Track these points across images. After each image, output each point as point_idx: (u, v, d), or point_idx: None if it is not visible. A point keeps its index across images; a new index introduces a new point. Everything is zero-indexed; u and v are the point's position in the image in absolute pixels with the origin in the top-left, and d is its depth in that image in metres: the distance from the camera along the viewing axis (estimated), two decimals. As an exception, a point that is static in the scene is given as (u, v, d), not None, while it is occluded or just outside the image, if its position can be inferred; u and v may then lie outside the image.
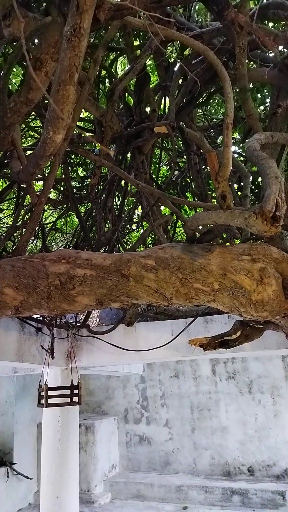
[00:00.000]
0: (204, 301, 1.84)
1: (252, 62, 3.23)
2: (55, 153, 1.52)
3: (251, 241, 2.36)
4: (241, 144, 4.43)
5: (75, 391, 3.03)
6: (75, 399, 3.01)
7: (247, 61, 2.64)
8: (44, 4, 2.31)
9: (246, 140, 3.69)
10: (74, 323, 3.85)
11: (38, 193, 2.33)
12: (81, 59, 1.08)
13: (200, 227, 2.45)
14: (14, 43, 2.62)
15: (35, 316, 3.44)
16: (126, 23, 1.52)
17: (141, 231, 5.62)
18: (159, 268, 1.83)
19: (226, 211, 1.45)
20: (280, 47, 3.24)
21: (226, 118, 1.48)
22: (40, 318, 3.51)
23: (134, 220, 5.50)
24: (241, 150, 4.65)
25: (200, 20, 3.85)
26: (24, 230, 3.68)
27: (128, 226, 5.38)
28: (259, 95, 4.11)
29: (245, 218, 1.33)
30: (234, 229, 1.86)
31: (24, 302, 1.64)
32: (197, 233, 2.02)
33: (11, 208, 5.10)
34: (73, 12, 1.00)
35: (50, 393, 2.84)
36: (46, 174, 2.78)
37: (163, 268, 1.83)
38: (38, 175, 2.60)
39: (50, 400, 2.84)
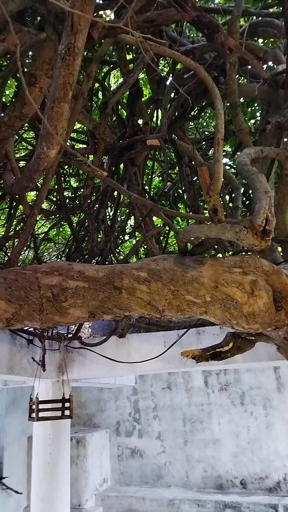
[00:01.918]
0: (196, 313, 1.85)
1: (242, 77, 3.30)
2: (48, 167, 1.53)
3: (242, 254, 2.39)
4: (232, 157, 4.50)
5: (67, 404, 3.00)
6: (67, 412, 2.98)
7: (237, 76, 2.70)
8: (39, 18, 2.35)
9: (237, 153, 3.75)
10: (66, 334, 3.82)
11: (30, 204, 2.34)
12: (75, 77, 1.10)
13: (192, 239, 2.47)
14: (8, 56, 2.66)
15: (26, 328, 3.41)
16: (119, 40, 1.56)
17: (134, 241, 5.65)
18: (152, 280, 1.83)
19: (218, 224, 1.47)
20: (270, 63, 3.32)
21: (217, 134, 1.51)
22: (32, 330, 3.49)
23: (127, 231, 5.52)
24: (232, 162, 4.72)
25: (192, 35, 3.94)
26: (16, 240, 3.68)
27: (120, 236, 5.40)
28: (249, 109, 4.19)
29: (236, 232, 1.35)
30: (225, 242, 1.88)
31: (15, 315, 1.63)
32: (189, 244, 2.04)
33: (3, 218, 5.09)
34: (68, 32, 1.02)
35: (41, 406, 2.80)
36: (39, 185, 2.80)
37: (155, 280, 1.83)
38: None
39: (41, 414, 2.81)
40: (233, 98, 2.45)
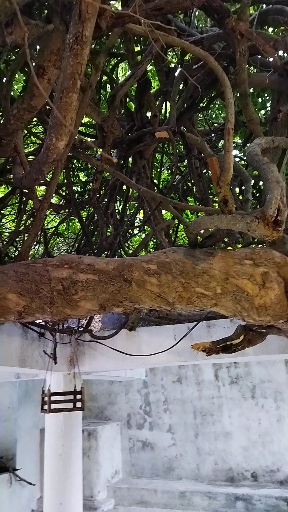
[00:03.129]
0: (207, 305, 1.84)
1: (252, 67, 3.25)
2: (57, 159, 1.53)
3: (253, 246, 2.37)
4: (242, 148, 4.45)
5: (78, 397, 3.03)
6: (78, 404, 3.00)
7: (247, 66, 2.66)
8: (46, 11, 2.34)
9: (247, 145, 3.70)
10: (76, 328, 3.85)
11: (40, 198, 2.35)
12: (84, 67, 1.09)
13: (202, 231, 2.45)
14: (16, 50, 2.65)
15: (37, 321, 3.44)
16: (127, 30, 1.54)
17: (143, 235, 5.64)
18: (162, 273, 1.83)
19: (228, 215, 1.46)
20: (280, 52, 3.26)
21: (227, 123, 1.49)
22: (43, 323, 3.51)
23: (136, 224, 5.51)
24: (242, 154, 4.67)
25: (201, 25, 3.88)
26: (26, 235, 3.70)
27: (129, 230, 5.39)
28: (259, 100, 4.13)
29: (247, 223, 1.33)
30: (236, 233, 1.86)
31: (27, 307, 1.64)
32: (199, 237, 2.03)
33: (13, 213, 5.11)
34: (76, 21, 1.01)
35: (53, 398, 2.83)
36: (48, 179, 2.80)
37: (165, 272, 1.83)
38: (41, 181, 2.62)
39: (53, 406, 2.84)
40: (243, 88, 2.42)
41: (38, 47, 2.10)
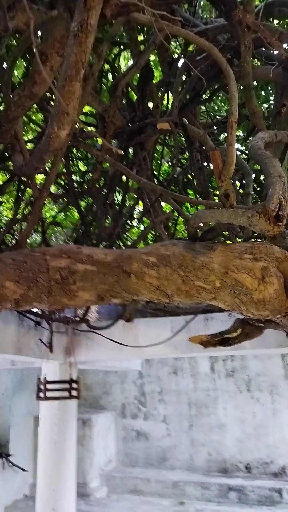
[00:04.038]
0: (206, 299, 1.84)
1: (256, 60, 3.21)
2: (58, 148, 1.52)
3: (253, 240, 2.36)
4: (244, 142, 4.42)
5: (74, 386, 3.04)
6: (74, 393, 3.02)
7: (251, 58, 2.63)
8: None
9: (250, 138, 3.68)
10: (73, 317, 3.85)
11: (39, 187, 2.33)
12: (88, 55, 1.07)
13: (202, 225, 2.44)
14: (17, 35, 2.61)
15: (34, 310, 3.44)
16: (131, 19, 1.52)
17: (142, 227, 5.62)
18: (161, 265, 1.82)
19: (229, 209, 1.45)
20: (285, 45, 3.22)
21: (231, 116, 1.47)
22: (39, 312, 3.51)
23: (135, 216, 5.49)
24: (244, 148, 4.64)
25: (205, 16, 3.83)
26: (24, 223, 3.68)
27: (128, 222, 5.37)
28: (262, 93, 4.09)
29: (248, 217, 1.32)
30: (236, 227, 1.86)
31: (24, 296, 1.64)
32: (198, 230, 2.02)
33: (11, 201, 5.08)
34: (81, 8, 0.99)
35: (49, 386, 2.85)
36: (48, 168, 2.78)
37: (164, 265, 1.82)
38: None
39: (49, 394, 2.86)
40: (247, 80, 2.39)
41: (39, 33, 2.07)
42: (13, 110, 1.55)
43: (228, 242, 2.54)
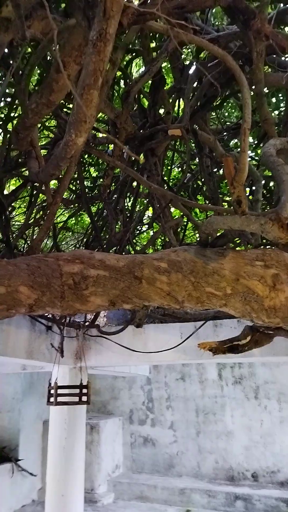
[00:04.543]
0: (216, 305, 1.84)
1: (266, 67, 3.22)
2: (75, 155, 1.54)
3: (264, 247, 2.36)
4: (255, 148, 4.42)
5: (84, 391, 3.05)
6: (84, 398, 3.03)
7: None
8: (63, 5, 2.34)
9: (261, 145, 3.68)
10: (83, 322, 3.87)
11: (52, 192, 2.35)
12: (106, 64, 1.09)
13: (211, 231, 2.44)
14: (32, 44, 2.66)
15: (45, 315, 3.46)
16: (147, 27, 1.54)
17: (151, 233, 5.64)
18: (172, 271, 1.83)
19: (242, 216, 1.45)
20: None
21: (244, 123, 1.48)
22: (50, 317, 3.53)
23: (144, 221, 5.51)
24: (254, 154, 4.64)
25: (217, 23, 3.85)
26: (36, 228, 3.72)
27: (138, 227, 5.39)
28: (273, 100, 4.09)
29: (261, 224, 1.33)
30: (248, 234, 1.86)
31: (38, 301, 1.65)
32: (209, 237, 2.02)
33: (23, 206, 5.14)
34: (100, 17, 1.01)
35: (59, 391, 2.86)
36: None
37: (175, 271, 1.83)
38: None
39: (59, 399, 2.86)
40: (259, 87, 2.41)
41: (55, 42, 2.09)
42: (30, 117, 1.58)
43: (238, 248, 2.54)
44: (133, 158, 3.75)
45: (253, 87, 2.58)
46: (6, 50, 2.07)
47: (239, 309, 1.82)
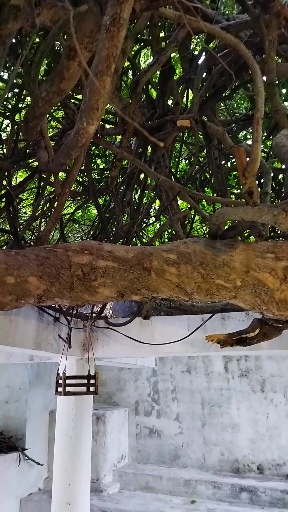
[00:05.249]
0: (226, 297, 1.83)
1: (277, 57, 3.17)
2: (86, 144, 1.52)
3: (275, 239, 2.34)
4: (264, 141, 4.36)
5: (92, 381, 3.07)
6: (92, 388, 3.05)
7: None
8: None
9: (270, 137, 3.63)
10: (90, 314, 3.88)
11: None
12: (119, 50, 1.07)
13: (219, 224, 2.42)
14: (40, 32, 2.63)
15: (52, 306, 3.47)
16: (159, 14, 1.51)
17: (157, 225, 5.61)
18: (181, 263, 1.82)
19: (254, 207, 1.43)
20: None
21: (257, 113, 1.46)
22: (57, 307, 3.55)
23: (151, 214, 5.49)
24: (263, 146, 4.58)
25: (227, 12, 3.79)
26: (44, 220, 3.72)
27: (144, 219, 5.37)
28: (283, 91, 4.04)
29: (274, 215, 1.31)
30: (259, 225, 1.84)
31: (47, 291, 1.65)
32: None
33: (30, 198, 5.14)
34: (113, 2, 0.99)
35: (67, 381, 2.88)
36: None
37: (185, 263, 1.82)
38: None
39: (67, 389, 2.88)
40: (270, 77, 2.37)
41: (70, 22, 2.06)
42: (41, 106, 1.56)
43: (247, 240, 2.51)
44: (140, 150, 3.72)
45: (264, 77, 2.54)
46: (13, 40, 2.05)
47: (249, 302, 1.81)
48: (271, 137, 3.62)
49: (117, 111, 2.19)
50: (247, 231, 3.12)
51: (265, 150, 4.41)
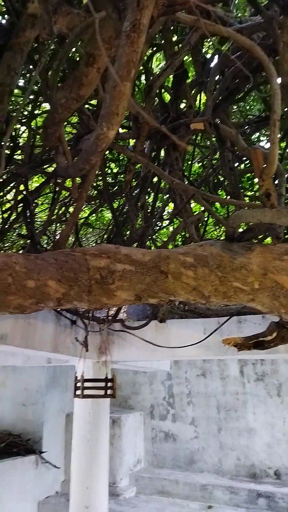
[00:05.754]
0: (243, 300, 1.82)
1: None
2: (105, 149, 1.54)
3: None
4: (279, 142, 4.34)
5: (109, 384, 3.08)
6: (109, 391, 3.06)
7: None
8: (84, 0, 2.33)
9: (284, 139, 3.61)
10: (107, 317, 3.90)
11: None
12: (139, 55, 1.09)
13: (235, 226, 2.41)
14: (56, 40, 2.67)
15: (69, 309, 3.50)
16: (175, 18, 1.53)
17: (170, 228, 5.62)
18: (198, 266, 1.82)
19: (272, 209, 1.43)
20: None
21: (273, 114, 1.45)
22: (75, 311, 3.57)
23: (165, 217, 5.49)
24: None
25: (239, 15, 3.79)
26: (59, 225, 3.76)
27: (158, 223, 5.38)
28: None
29: (292, 217, 1.30)
30: (277, 228, 1.83)
31: (66, 295, 1.67)
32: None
33: (46, 203, 5.20)
34: (133, 8, 1.00)
35: (85, 384, 2.90)
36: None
37: (202, 265, 1.82)
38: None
39: (85, 392, 2.91)
40: (285, 79, 2.36)
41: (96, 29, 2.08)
42: (60, 112, 1.59)
43: (264, 242, 2.50)
44: (153, 154, 3.74)
45: (279, 79, 2.53)
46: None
47: (267, 305, 1.79)
48: (285, 139, 3.60)
49: (143, 114, 2.21)
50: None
51: (279, 151, 4.38)
